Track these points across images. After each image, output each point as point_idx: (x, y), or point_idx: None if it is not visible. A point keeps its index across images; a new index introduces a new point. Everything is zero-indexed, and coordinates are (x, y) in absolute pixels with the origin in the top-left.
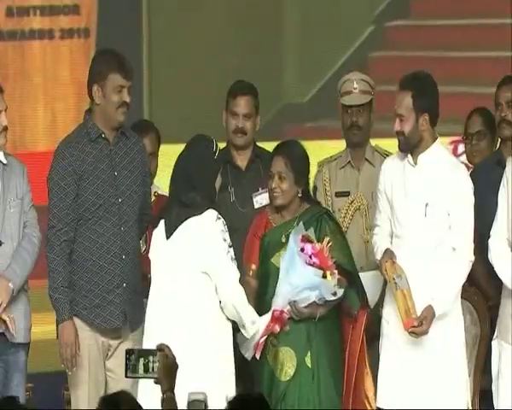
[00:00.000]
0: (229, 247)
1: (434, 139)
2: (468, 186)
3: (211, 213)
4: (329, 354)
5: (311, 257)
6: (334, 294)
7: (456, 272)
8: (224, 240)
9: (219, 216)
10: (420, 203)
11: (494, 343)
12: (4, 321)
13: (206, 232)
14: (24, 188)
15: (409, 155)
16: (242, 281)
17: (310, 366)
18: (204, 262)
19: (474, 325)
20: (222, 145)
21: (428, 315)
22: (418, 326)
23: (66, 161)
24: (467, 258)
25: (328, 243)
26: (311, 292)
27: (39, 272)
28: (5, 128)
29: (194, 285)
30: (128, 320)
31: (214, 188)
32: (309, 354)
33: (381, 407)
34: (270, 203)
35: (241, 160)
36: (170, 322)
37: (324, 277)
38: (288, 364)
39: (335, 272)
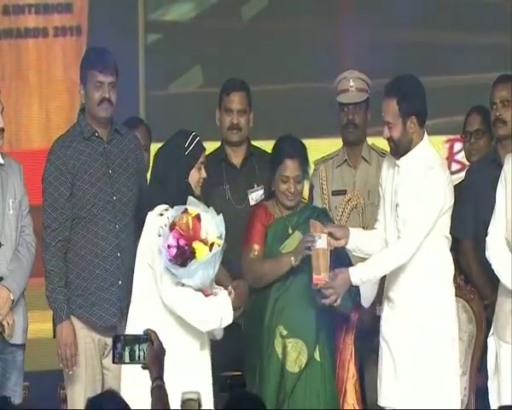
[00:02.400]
0: None
1: (421, 139)
2: (434, 189)
3: (158, 208)
4: (331, 350)
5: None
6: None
7: (390, 253)
8: (160, 236)
9: (166, 212)
10: (393, 204)
11: (490, 340)
12: (2, 324)
13: (147, 227)
14: (21, 189)
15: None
16: (246, 260)
17: (319, 359)
18: (146, 258)
19: (470, 323)
20: (216, 144)
21: (340, 278)
22: (326, 286)
23: (60, 160)
24: (405, 249)
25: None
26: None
27: (33, 271)
28: (2, 130)
29: (142, 286)
30: (124, 318)
31: (184, 183)
32: (318, 347)
33: (382, 405)
34: (271, 198)
35: (236, 157)
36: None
37: (194, 254)
38: (299, 356)
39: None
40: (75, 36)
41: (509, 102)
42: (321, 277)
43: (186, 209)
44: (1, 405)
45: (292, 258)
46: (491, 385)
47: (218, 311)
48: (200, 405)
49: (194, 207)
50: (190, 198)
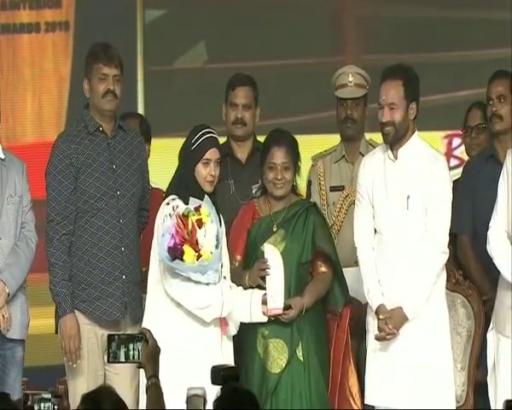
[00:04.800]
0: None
1: (413, 132)
2: (446, 179)
3: (168, 198)
4: (318, 348)
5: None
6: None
7: (428, 270)
8: (163, 223)
9: (172, 202)
10: (401, 196)
11: (489, 335)
12: None
13: (157, 216)
14: (23, 186)
15: (388, 151)
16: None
17: (301, 359)
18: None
19: (469, 318)
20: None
21: (397, 319)
22: (283, 314)
23: (64, 154)
24: (440, 250)
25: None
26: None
27: (36, 266)
28: None
29: (154, 274)
30: (128, 312)
31: (189, 177)
32: (300, 346)
33: (368, 403)
34: (264, 194)
35: (241, 152)
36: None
37: (182, 255)
38: (280, 356)
39: (198, 247)
40: (63, 31)
41: (506, 97)
42: (275, 307)
43: (200, 206)
44: (1, 402)
45: (246, 278)
46: (491, 380)
47: (219, 298)
48: (205, 401)
49: (207, 208)
50: (206, 199)
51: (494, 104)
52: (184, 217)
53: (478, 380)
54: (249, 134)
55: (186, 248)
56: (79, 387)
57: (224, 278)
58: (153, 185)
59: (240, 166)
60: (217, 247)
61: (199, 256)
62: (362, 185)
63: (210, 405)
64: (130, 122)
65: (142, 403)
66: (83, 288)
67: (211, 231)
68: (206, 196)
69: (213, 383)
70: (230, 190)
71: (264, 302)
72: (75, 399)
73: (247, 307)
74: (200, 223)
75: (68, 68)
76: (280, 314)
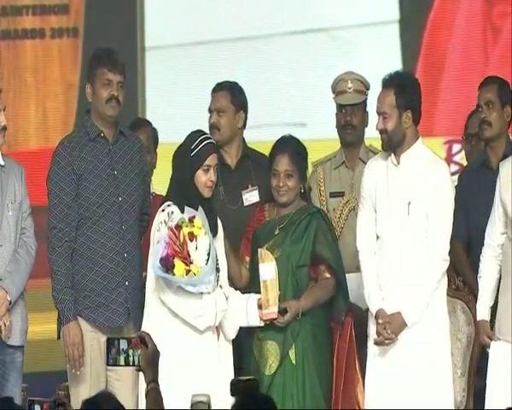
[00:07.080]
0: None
1: (417, 138)
2: (448, 185)
3: (164, 204)
4: (315, 352)
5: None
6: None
7: (428, 276)
8: (158, 230)
9: (167, 208)
10: (403, 202)
11: (492, 342)
12: None
13: (154, 222)
14: (22, 192)
15: (392, 155)
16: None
17: (294, 362)
18: None
19: (469, 324)
20: None
21: (397, 325)
22: (278, 318)
23: (65, 161)
24: (440, 257)
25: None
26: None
27: (35, 272)
28: (4, 128)
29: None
30: (131, 319)
31: (189, 184)
32: (293, 349)
33: (368, 408)
34: (271, 200)
35: (230, 158)
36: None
37: (173, 268)
38: (272, 358)
39: (189, 260)
40: (71, 37)
41: (494, 103)
42: (270, 311)
43: (194, 217)
44: (5, 406)
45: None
46: (492, 386)
47: (212, 308)
48: (209, 407)
49: (201, 220)
50: (200, 210)
51: (483, 111)
52: (177, 227)
53: (478, 386)
54: (228, 139)
55: (177, 261)
56: (82, 394)
57: (221, 286)
58: (156, 193)
59: (229, 171)
60: (207, 262)
61: (188, 271)
62: (365, 189)
63: None
64: (141, 132)
65: (142, 407)
66: (85, 295)
67: (202, 245)
68: (200, 207)
69: (233, 395)
70: (220, 196)
71: (260, 307)
72: (78, 405)
73: (244, 311)
74: (191, 236)
75: (77, 75)
76: (275, 318)
